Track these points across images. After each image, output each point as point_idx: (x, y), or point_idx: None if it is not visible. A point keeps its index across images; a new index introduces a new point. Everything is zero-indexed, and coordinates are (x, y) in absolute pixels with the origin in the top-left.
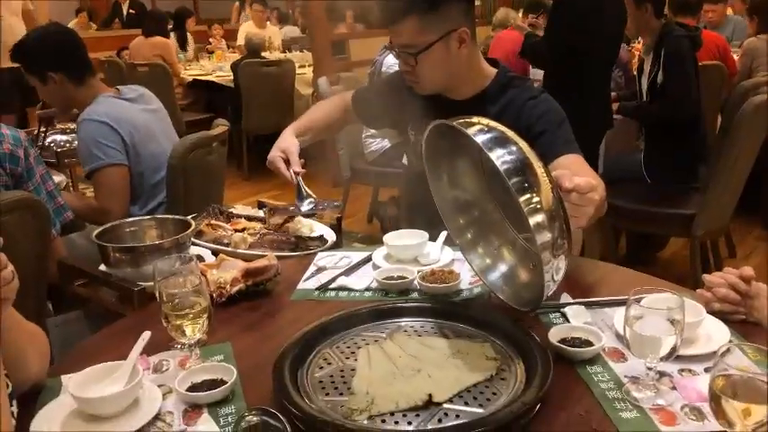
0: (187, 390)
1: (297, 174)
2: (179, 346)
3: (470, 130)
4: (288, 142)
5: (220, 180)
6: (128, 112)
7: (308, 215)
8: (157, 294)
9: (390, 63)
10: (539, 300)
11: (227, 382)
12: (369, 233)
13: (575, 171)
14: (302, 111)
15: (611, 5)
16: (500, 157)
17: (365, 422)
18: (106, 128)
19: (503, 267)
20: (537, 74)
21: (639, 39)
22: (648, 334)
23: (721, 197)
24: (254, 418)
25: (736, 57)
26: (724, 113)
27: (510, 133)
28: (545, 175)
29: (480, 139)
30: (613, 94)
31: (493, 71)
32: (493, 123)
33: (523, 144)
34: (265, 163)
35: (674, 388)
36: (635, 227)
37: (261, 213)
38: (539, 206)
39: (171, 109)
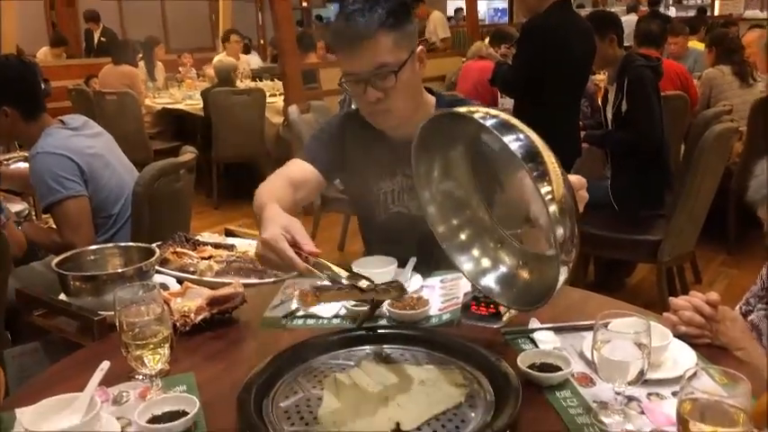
0: (147, 422)
1: (314, 255)
2: (140, 377)
3: (477, 115)
4: (285, 217)
5: (187, 208)
6: (80, 141)
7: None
8: (117, 323)
9: None
10: (544, 297)
11: (189, 414)
12: (340, 261)
13: None
14: (272, 139)
15: (578, 38)
16: (514, 142)
17: None
18: (64, 159)
19: (499, 268)
20: (506, 103)
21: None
22: (616, 358)
23: (686, 223)
24: None
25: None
26: (687, 142)
27: (514, 120)
28: (556, 165)
29: (490, 123)
30: (580, 123)
31: (432, 98)
32: (494, 110)
33: (531, 132)
34: (237, 193)
35: (642, 412)
36: (603, 253)
37: (228, 241)
38: (551, 197)
39: (139, 137)
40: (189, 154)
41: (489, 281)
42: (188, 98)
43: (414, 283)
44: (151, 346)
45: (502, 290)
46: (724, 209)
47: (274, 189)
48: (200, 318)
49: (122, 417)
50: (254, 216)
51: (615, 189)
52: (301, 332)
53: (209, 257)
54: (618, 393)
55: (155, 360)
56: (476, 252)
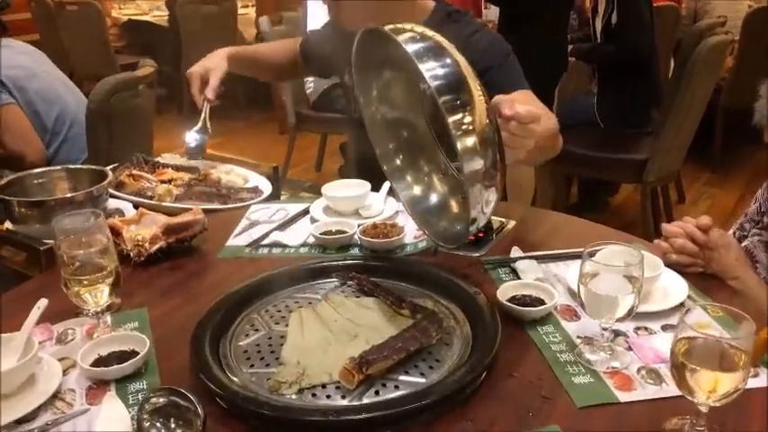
0: (92, 364)
1: (207, 101)
2: (88, 313)
3: (401, 37)
4: (215, 63)
5: (149, 127)
6: None
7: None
8: (57, 256)
9: None
10: (465, 235)
11: (138, 354)
12: (317, 182)
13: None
14: None
15: None
16: (431, 70)
17: (293, 397)
18: None
19: (432, 198)
20: (490, 14)
21: None
22: (604, 293)
23: (674, 142)
24: (161, 400)
25: None
26: (677, 56)
27: (446, 44)
28: (481, 95)
29: (412, 48)
30: (567, 36)
31: (430, 4)
32: (429, 32)
33: (460, 58)
34: (210, 110)
35: (629, 348)
36: (587, 173)
37: (191, 162)
38: (470, 128)
39: (104, 51)
40: (148, 67)
41: (421, 209)
42: (155, 9)
43: (388, 208)
44: (90, 282)
45: (433, 220)
46: (710, 126)
47: (276, 48)
48: (155, 247)
49: (66, 357)
50: (228, 135)
51: (601, 105)
52: (266, 262)
53: (169, 181)
54: (604, 329)
55: (97, 298)
56: (409, 178)
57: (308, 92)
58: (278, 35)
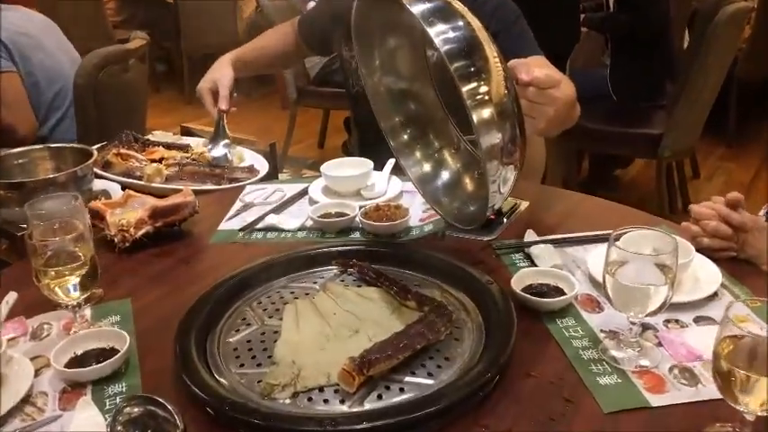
0: (67, 364)
1: (222, 111)
2: (67, 305)
3: None
4: (221, 72)
5: (141, 104)
6: (4, 18)
7: (214, 165)
8: (27, 245)
9: None
10: (481, 216)
11: (118, 353)
12: (320, 159)
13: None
14: (245, 28)
15: None
16: (441, 33)
17: (287, 401)
18: None
19: (444, 176)
20: None
21: None
22: (634, 284)
23: (690, 115)
24: (136, 410)
25: None
26: (694, 25)
27: (456, 4)
28: (498, 61)
29: (418, 8)
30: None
31: None
32: None
33: (473, 19)
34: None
35: (659, 344)
36: (599, 148)
37: (183, 140)
38: (486, 98)
39: (100, 25)
40: (139, 40)
41: (432, 187)
42: None
43: (392, 188)
44: (58, 274)
45: (445, 199)
46: (725, 99)
47: (274, 38)
48: (140, 233)
49: (41, 355)
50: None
51: (614, 77)
52: (260, 248)
53: (160, 160)
54: (633, 323)
55: (68, 292)
56: (418, 154)
57: (307, 66)
58: (277, 8)
